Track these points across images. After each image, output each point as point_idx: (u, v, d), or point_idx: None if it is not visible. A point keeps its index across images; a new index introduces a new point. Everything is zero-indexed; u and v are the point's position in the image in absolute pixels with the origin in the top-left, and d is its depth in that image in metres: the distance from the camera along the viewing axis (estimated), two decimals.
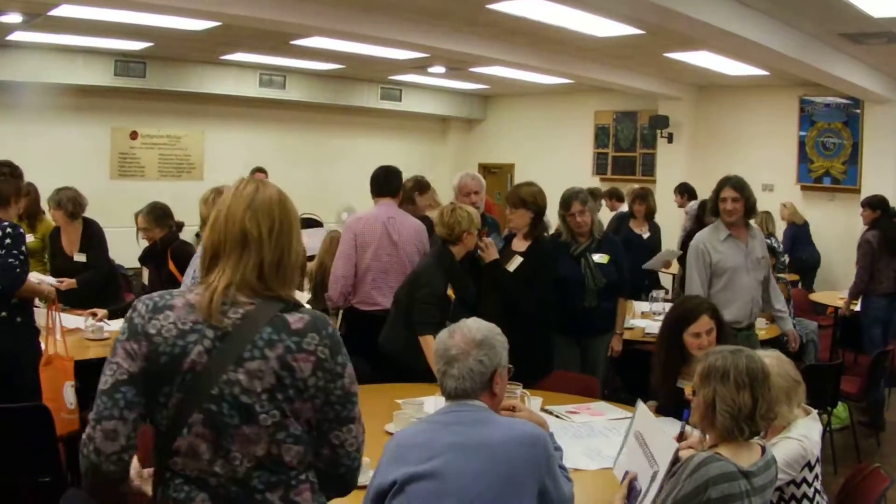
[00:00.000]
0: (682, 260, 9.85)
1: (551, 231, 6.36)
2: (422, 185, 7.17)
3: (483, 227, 5.61)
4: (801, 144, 12.67)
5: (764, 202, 11.53)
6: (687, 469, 2.63)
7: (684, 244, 9.81)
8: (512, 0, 7.85)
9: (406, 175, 6.64)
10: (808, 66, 9.21)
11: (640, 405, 3.31)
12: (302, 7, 8.14)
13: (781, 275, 8.25)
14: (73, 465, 4.82)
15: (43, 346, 4.75)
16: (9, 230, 4.53)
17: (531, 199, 5.59)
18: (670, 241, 9.69)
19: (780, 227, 11.19)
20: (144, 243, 6.73)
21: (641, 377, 4.61)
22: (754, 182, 12.57)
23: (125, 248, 7.22)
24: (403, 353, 5.11)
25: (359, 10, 8.46)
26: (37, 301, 5.03)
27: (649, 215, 9.13)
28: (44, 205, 7.02)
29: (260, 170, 11.28)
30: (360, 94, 15.00)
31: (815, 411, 3.49)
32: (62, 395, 4.64)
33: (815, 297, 9.75)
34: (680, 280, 10.37)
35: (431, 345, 4.72)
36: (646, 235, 8.95)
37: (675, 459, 2.81)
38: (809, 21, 8.19)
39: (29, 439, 4.14)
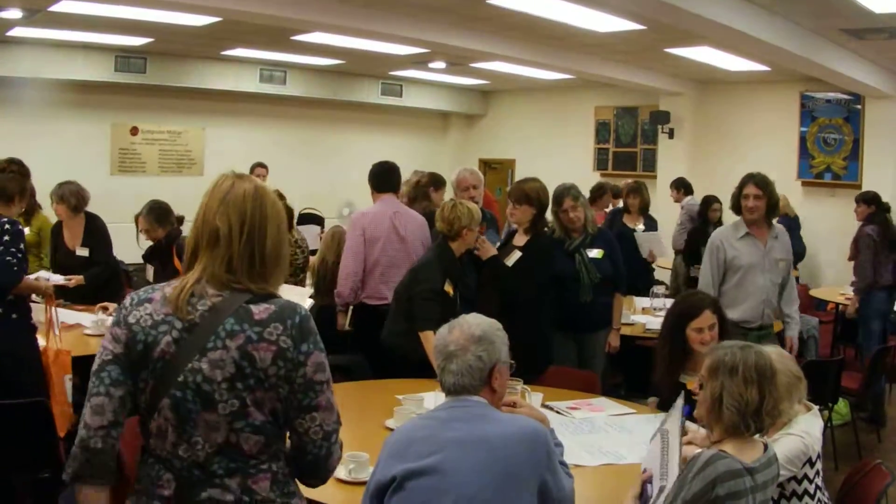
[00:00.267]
0: (689, 257, 9.90)
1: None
2: (437, 182, 7.18)
3: (482, 223, 5.61)
4: (802, 140, 12.64)
5: None
6: (694, 468, 2.62)
7: (690, 240, 9.87)
8: None
9: (406, 171, 6.65)
10: (810, 62, 9.19)
11: (680, 400, 3.26)
12: (302, 2, 8.14)
13: None
14: None
15: (42, 341, 4.75)
16: (7, 226, 4.53)
17: (535, 196, 5.59)
18: (666, 236, 9.66)
19: None
20: (146, 243, 6.74)
21: (643, 373, 4.61)
22: None
23: (126, 244, 7.20)
24: (403, 344, 5.13)
25: (359, 6, 8.45)
26: (34, 297, 5.02)
27: (644, 208, 9.08)
28: (43, 199, 7.00)
29: (260, 165, 11.28)
30: (361, 90, 15.00)
31: (816, 407, 3.49)
32: (64, 389, 4.65)
33: (815, 292, 9.75)
34: (685, 277, 10.41)
35: (432, 340, 4.78)
36: (640, 229, 8.90)
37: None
38: (810, 16, 8.18)
39: (28, 435, 4.14)
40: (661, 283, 10.55)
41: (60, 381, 4.63)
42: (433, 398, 3.94)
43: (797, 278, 9.96)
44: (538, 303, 5.47)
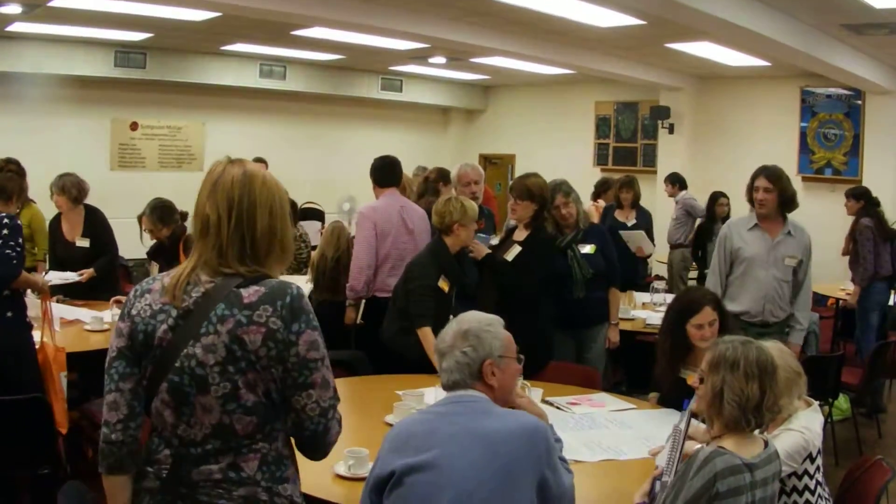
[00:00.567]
0: (695, 253, 9.91)
1: None
2: (445, 177, 7.20)
3: (480, 219, 5.61)
4: (803, 135, 12.65)
5: None
6: (693, 465, 2.62)
7: (698, 236, 9.87)
8: None
9: (407, 166, 6.65)
10: (810, 57, 9.19)
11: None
12: None
13: None
14: (72, 458, 4.83)
15: (38, 337, 4.75)
16: (6, 221, 4.54)
17: (538, 192, 5.57)
18: (661, 230, 9.66)
19: None
20: (150, 241, 6.74)
21: (643, 368, 4.61)
22: None
23: (126, 240, 7.21)
24: (399, 342, 5.14)
25: (359, 1, 8.43)
26: (29, 293, 5.01)
27: (635, 202, 9.09)
28: (44, 193, 6.98)
29: (260, 160, 11.23)
30: (361, 85, 14.98)
31: (816, 403, 3.48)
32: (60, 386, 4.65)
33: (815, 288, 9.72)
34: (680, 271, 10.41)
35: (429, 336, 4.79)
36: (630, 223, 8.89)
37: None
38: (811, 12, 8.18)
39: (27, 432, 4.14)
40: (662, 277, 10.58)
41: (56, 377, 4.63)
42: (433, 394, 3.94)
43: None
44: (538, 298, 5.46)
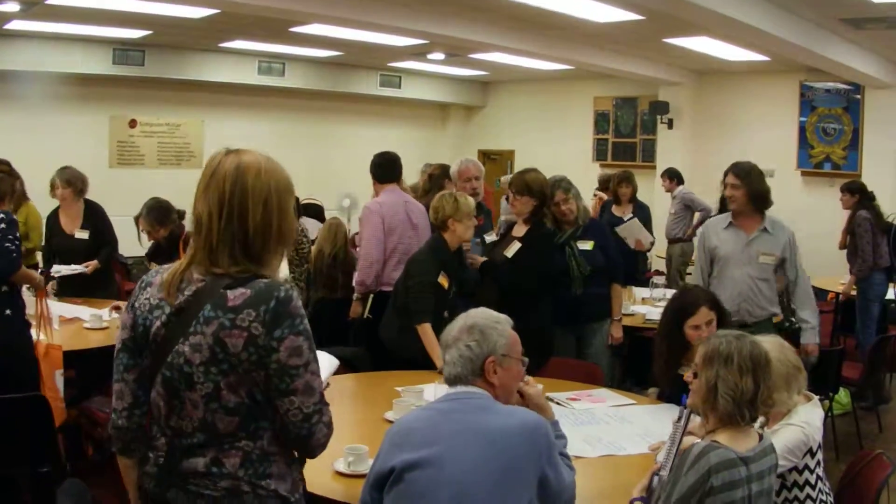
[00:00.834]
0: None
1: None
2: (449, 173, 7.19)
3: (479, 215, 5.61)
4: (802, 130, 12.65)
5: None
6: (688, 460, 2.62)
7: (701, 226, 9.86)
8: None
9: (406, 163, 6.64)
10: (809, 52, 9.18)
11: None
12: None
13: None
14: (72, 456, 4.82)
15: (35, 335, 4.75)
16: (1, 216, 4.56)
17: (537, 187, 5.56)
18: (659, 225, 9.66)
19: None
20: (149, 242, 6.74)
21: (643, 364, 4.60)
22: None
23: (125, 238, 7.20)
24: (395, 340, 5.14)
25: None
26: (24, 290, 5.01)
27: (633, 196, 9.10)
28: (43, 191, 6.96)
29: None
30: (360, 81, 14.96)
31: (816, 397, 3.48)
32: (55, 384, 4.65)
33: (815, 282, 9.71)
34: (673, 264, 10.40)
35: (428, 332, 4.80)
36: (627, 217, 8.89)
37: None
38: (810, 6, 8.17)
39: (27, 429, 4.14)
40: (662, 273, 10.57)
41: (51, 375, 4.63)
42: (433, 390, 3.94)
43: None
44: (539, 293, 5.45)
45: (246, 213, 2.22)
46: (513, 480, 2.54)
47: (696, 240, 6.41)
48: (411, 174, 7.56)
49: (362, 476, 2.86)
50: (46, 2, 8.66)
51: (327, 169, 14.64)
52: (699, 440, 2.78)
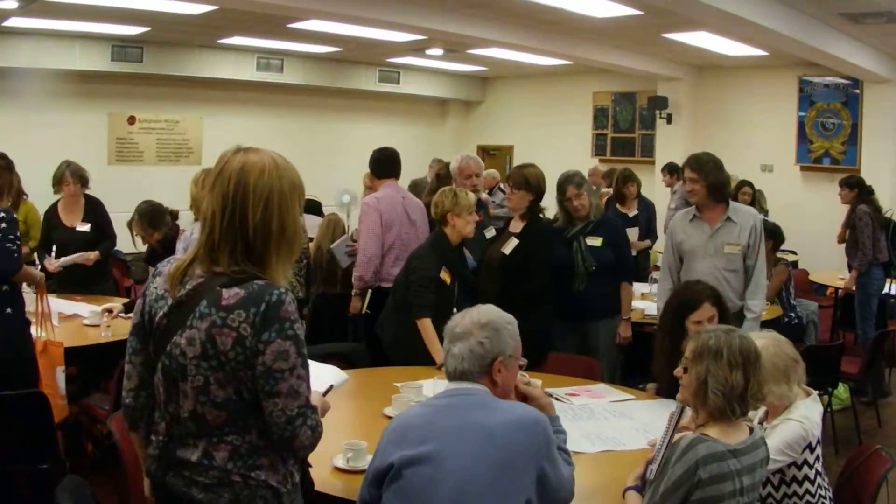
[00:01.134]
0: None
1: (549, 215, 6.22)
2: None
3: (479, 211, 5.60)
4: (801, 125, 12.64)
5: (763, 183, 11.55)
6: (675, 453, 2.63)
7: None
8: None
9: (406, 160, 6.64)
10: (808, 47, 9.18)
11: None
12: None
13: (780, 255, 8.23)
14: (71, 453, 4.82)
15: (35, 332, 4.75)
16: (2, 215, 4.54)
17: (535, 182, 5.54)
18: (658, 220, 9.65)
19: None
20: (143, 246, 6.74)
21: (642, 359, 4.60)
22: (753, 163, 12.55)
23: (123, 233, 7.20)
24: (391, 344, 5.15)
25: None
26: (24, 287, 5.01)
27: (639, 193, 9.11)
28: (44, 189, 6.96)
29: None
30: (359, 78, 14.94)
31: (815, 392, 3.47)
32: (55, 381, 4.65)
33: (815, 277, 9.75)
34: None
35: (428, 327, 4.80)
36: (632, 214, 8.90)
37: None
38: (809, 1, 8.16)
39: (26, 426, 4.14)
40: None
41: (50, 372, 4.63)
42: (431, 386, 3.94)
43: (795, 263, 9.99)
44: (538, 289, 5.44)
45: (247, 213, 2.25)
46: (511, 476, 2.54)
47: None
48: (411, 169, 7.56)
49: (361, 472, 2.86)
50: None
51: (326, 165, 14.60)
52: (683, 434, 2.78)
